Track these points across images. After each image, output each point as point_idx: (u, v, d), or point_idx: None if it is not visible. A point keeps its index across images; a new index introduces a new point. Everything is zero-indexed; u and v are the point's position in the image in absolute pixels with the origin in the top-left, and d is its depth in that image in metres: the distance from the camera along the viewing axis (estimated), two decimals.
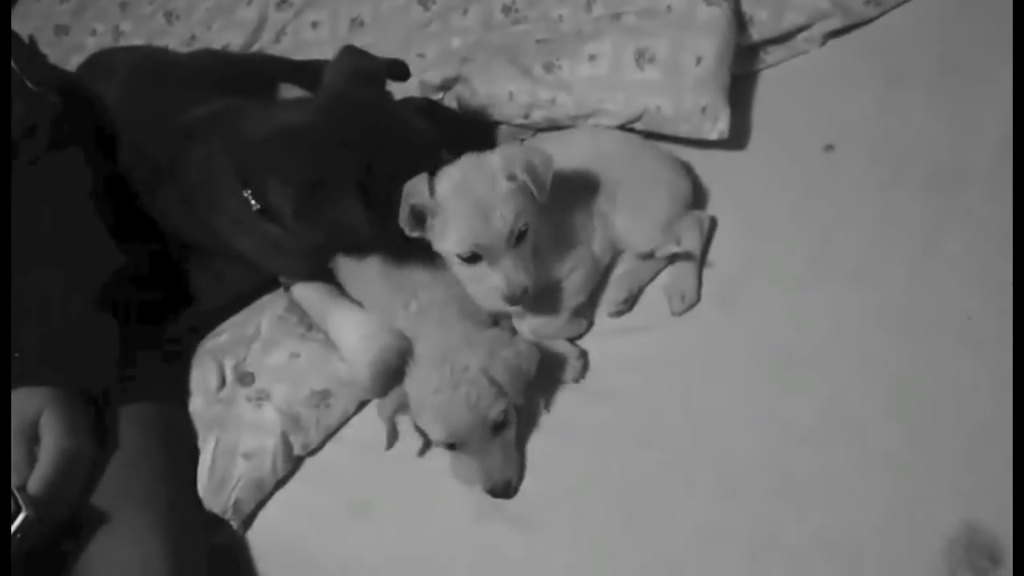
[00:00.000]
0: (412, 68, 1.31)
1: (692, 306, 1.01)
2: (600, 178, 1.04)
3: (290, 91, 1.32)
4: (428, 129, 1.01)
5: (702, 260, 1.03)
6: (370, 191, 0.91)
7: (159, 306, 1.15)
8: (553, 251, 1.01)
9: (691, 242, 1.01)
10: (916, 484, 0.83)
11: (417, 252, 1.01)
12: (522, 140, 1.20)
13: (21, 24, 1.80)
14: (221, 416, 1.07)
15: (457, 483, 0.97)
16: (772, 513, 0.87)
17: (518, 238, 0.94)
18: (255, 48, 1.55)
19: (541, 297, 1.00)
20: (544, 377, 1.00)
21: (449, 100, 1.26)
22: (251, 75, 1.30)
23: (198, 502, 1.04)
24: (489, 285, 0.96)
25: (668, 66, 1.09)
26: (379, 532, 1.01)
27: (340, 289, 1.11)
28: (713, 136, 1.07)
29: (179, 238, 1.17)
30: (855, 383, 0.90)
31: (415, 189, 0.92)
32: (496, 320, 1.05)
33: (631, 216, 1.03)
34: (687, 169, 1.09)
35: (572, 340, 1.03)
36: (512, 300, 0.95)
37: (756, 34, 1.15)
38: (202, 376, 1.13)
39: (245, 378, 1.08)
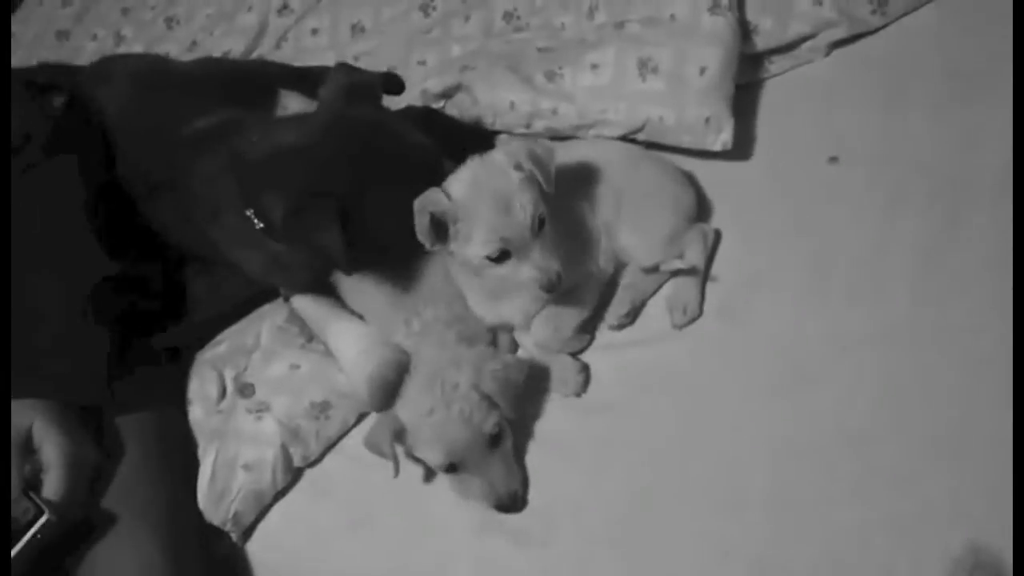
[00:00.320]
0: (413, 75, 1.33)
1: (694, 320, 1.00)
2: (602, 190, 1.04)
3: (291, 98, 1.32)
4: (427, 143, 1.00)
5: (705, 273, 1.02)
6: (354, 214, 0.91)
7: (154, 316, 1.15)
8: (565, 258, 0.99)
9: (695, 256, 1.00)
10: (920, 502, 0.82)
11: (418, 269, 1.01)
12: None
13: (23, 28, 1.80)
14: (221, 427, 1.07)
15: (457, 495, 0.97)
16: (774, 530, 0.86)
17: (540, 225, 0.93)
18: (256, 54, 1.54)
19: (544, 312, 1.00)
20: (545, 391, 1.00)
21: (450, 109, 1.25)
22: (252, 82, 1.30)
23: (198, 511, 1.04)
24: (522, 278, 0.94)
25: (671, 76, 1.08)
26: (379, 544, 1.01)
27: (340, 301, 1.10)
28: (717, 147, 1.06)
29: (177, 247, 1.17)
30: (858, 398, 0.90)
31: (431, 199, 0.91)
32: (495, 337, 1.04)
33: (634, 229, 1.02)
34: (690, 180, 1.08)
35: (573, 354, 1.02)
36: (548, 287, 0.93)
37: (761, 43, 1.14)
38: (201, 386, 1.13)
39: (245, 389, 1.08)
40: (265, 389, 1.07)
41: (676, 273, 1.02)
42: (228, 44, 1.55)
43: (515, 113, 1.17)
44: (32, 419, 0.93)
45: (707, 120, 1.06)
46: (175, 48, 1.61)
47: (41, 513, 0.89)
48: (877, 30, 1.12)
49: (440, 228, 0.93)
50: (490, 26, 1.37)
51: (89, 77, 1.25)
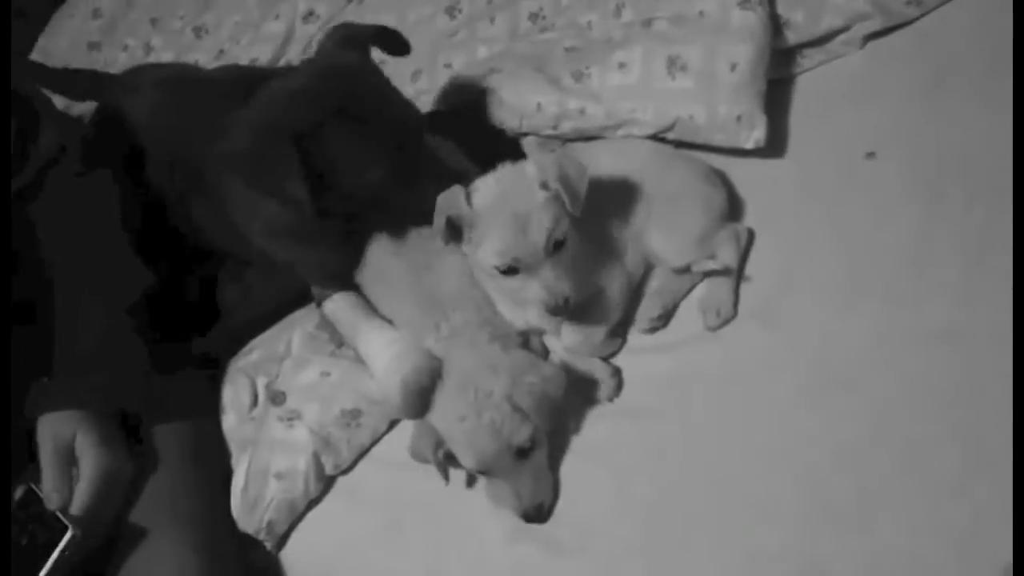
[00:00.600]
0: (439, 78, 1.33)
1: (728, 321, 0.98)
2: (631, 191, 1.02)
3: None
4: (411, 104, 1.04)
5: (739, 274, 1.00)
6: (314, 149, 0.93)
7: (187, 323, 1.16)
8: (587, 267, 0.99)
9: (728, 256, 0.99)
10: (968, 510, 0.80)
11: (447, 270, 1.01)
12: (552, 150, 1.18)
13: (53, 41, 1.82)
14: (253, 436, 1.07)
15: (489, 503, 0.96)
16: (814, 538, 0.84)
17: (557, 247, 0.92)
18: (283, 62, 1.55)
19: (575, 315, 0.98)
20: (577, 396, 0.99)
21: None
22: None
23: (233, 519, 1.04)
24: (529, 296, 0.93)
25: (701, 74, 1.07)
26: (411, 551, 1.01)
27: (371, 306, 1.10)
28: (749, 145, 1.04)
29: (211, 249, 1.18)
30: (901, 403, 0.87)
31: (451, 201, 0.91)
32: (527, 340, 1.03)
33: (665, 230, 1.00)
34: (722, 179, 1.06)
35: (605, 358, 1.01)
36: (554, 310, 0.93)
37: (792, 38, 1.12)
38: (234, 393, 1.14)
39: (277, 397, 1.08)
40: (296, 397, 1.07)
41: (708, 274, 1.00)
42: (255, 52, 1.57)
43: (542, 115, 1.15)
44: (75, 430, 0.94)
45: (739, 118, 1.04)
46: (204, 57, 1.63)
47: (66, 529, 0.89)
48: (912, 21, 1.10)
49: (455, 230, 0.93)
50: (516, 27, 1.36)
51: (119, 88, 1.27)
